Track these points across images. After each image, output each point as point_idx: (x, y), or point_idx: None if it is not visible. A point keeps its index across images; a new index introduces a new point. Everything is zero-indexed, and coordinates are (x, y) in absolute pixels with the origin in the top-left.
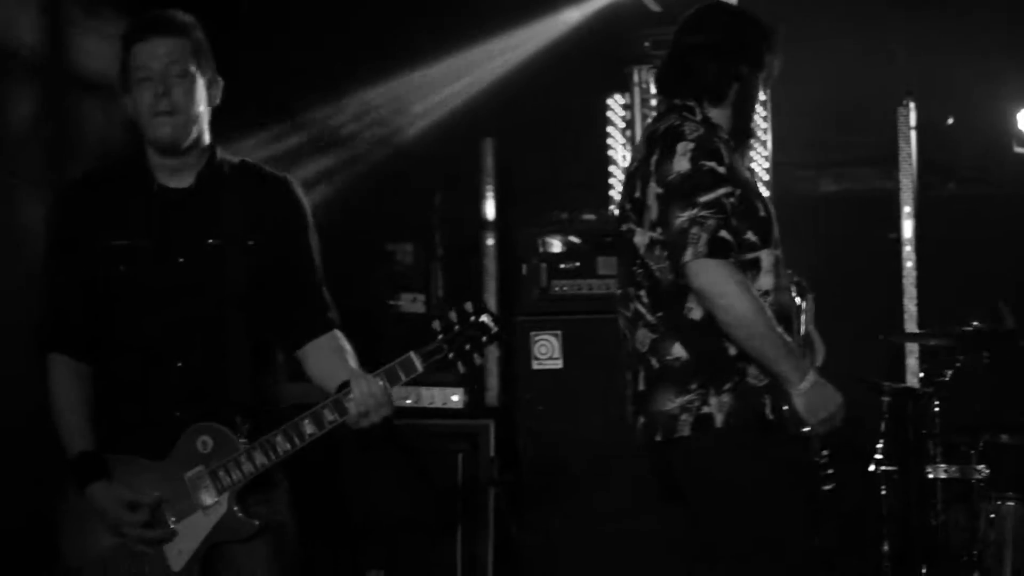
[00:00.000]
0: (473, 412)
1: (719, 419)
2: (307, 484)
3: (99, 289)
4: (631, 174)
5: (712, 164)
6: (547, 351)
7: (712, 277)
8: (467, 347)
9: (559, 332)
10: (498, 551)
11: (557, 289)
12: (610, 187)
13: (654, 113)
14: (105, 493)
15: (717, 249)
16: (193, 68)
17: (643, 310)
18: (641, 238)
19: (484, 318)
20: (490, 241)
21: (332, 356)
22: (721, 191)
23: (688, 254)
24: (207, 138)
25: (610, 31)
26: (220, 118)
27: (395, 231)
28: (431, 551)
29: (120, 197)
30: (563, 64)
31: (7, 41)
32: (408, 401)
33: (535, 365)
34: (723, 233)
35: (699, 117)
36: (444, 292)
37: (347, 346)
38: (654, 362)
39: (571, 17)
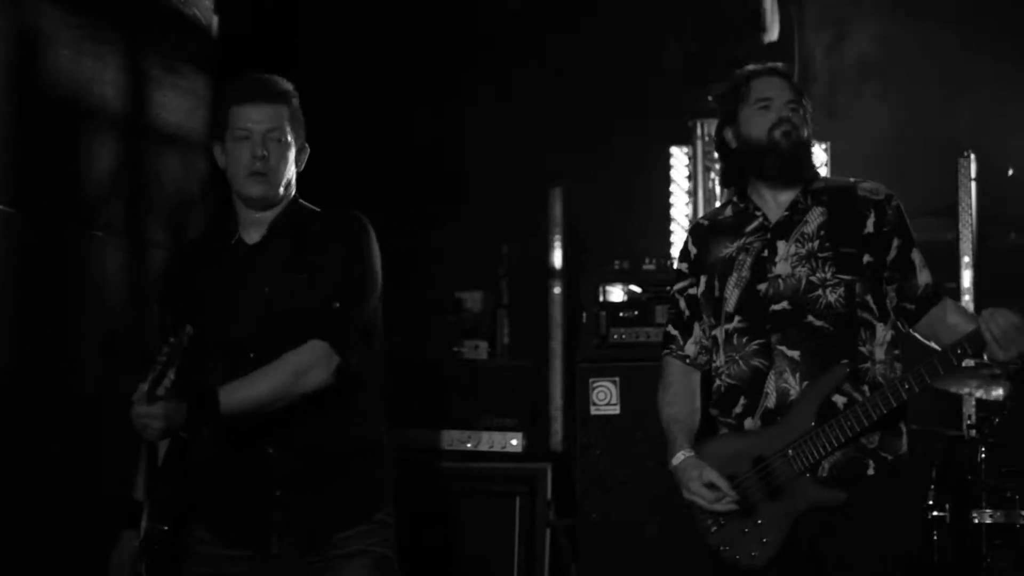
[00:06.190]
0: (532, 456)
1: None
2: None
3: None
4: None
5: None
6: (605, 397)
7: None
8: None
9: (617, 379)
10: None
11: (616, 337)
12: (671, 233)
13: (716, 165)
14: (122, 546)
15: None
16: (289, 136)
17: None
18: None
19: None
20: (557, 289)
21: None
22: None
23: None
24: (291, 196)
25: (674, 84)
26: None
27: (466, 279)
28: None
29: (207, 254)
30: (630, 114)
31: (91, 97)
32: (468, 444)
33: (593, 411)
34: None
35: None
36: (510, 339)
37: (286, 370)
38: None
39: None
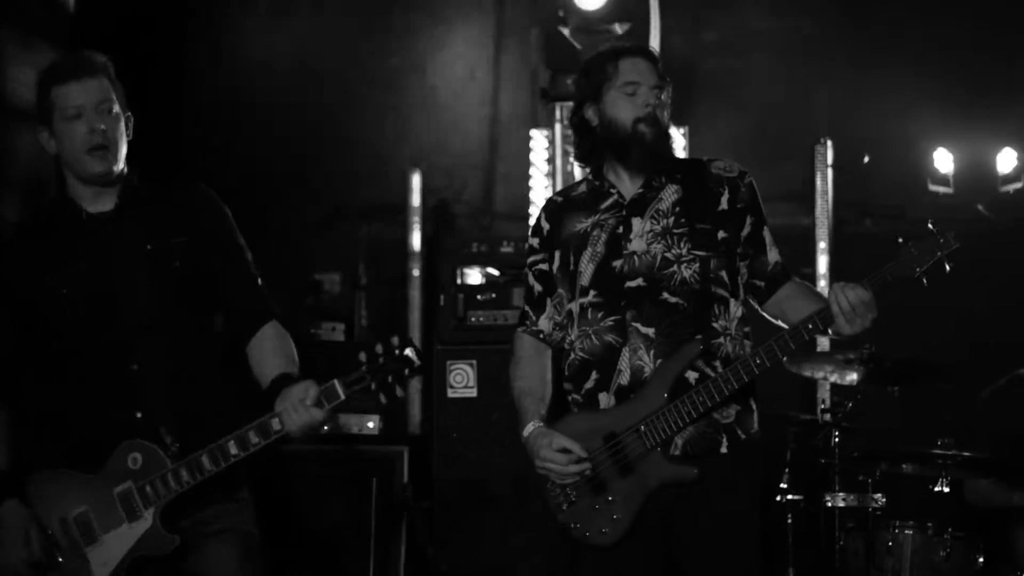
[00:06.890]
0: (389, 438)
1: None
2: None
3: (42, 322)
4: None
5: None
6: (462, 380)
7: None
8: (389, 379)
9: (474, 361)
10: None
11: (473, 319)
12: (530, 216)
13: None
14: (13, 513)
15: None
16: (117, 106)
17: None
18: None
19: (408, 352)
20: (416, 272)
21: (269, 356)
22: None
23: None
24: (126, 167)
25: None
26: None
27: (324, 261)
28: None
29: (53, 234)
30: (490, 96)
31: None
32: (324, 427)
33: (450, 393)
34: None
35: None
36: (368, 321)
37: (284, 343)
38: None
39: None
